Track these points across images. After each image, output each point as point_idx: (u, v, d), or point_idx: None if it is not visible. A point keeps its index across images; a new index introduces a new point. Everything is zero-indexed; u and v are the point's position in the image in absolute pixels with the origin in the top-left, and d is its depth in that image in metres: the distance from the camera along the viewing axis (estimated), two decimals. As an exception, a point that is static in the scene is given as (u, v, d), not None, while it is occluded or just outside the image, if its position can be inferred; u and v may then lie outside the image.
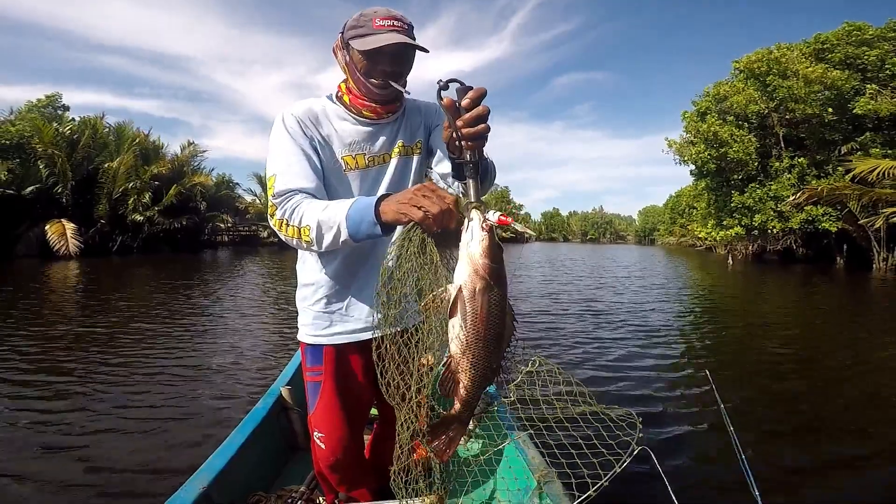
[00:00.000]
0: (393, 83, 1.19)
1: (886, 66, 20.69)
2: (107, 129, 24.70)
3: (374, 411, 1.66)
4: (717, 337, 6.84)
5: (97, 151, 23.38)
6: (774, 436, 3.49)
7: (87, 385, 4.18)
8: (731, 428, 1.69)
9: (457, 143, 0.94)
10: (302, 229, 1.09)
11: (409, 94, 1.25)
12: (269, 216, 1.18)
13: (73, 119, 24.82)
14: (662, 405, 3.96)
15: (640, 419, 1.14)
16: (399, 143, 1.35)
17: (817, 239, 24.65)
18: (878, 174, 15.80)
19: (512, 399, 1.27)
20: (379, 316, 1.05)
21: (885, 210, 16.54)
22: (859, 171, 16.50)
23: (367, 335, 1.31)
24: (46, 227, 19.96)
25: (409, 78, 1.28)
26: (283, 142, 1.21)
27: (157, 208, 24.04)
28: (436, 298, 0.90)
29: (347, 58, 1.23)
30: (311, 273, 1.35)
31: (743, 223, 26.00)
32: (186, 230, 27.06)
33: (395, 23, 1.15)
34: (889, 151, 19.15)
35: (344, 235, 1.03)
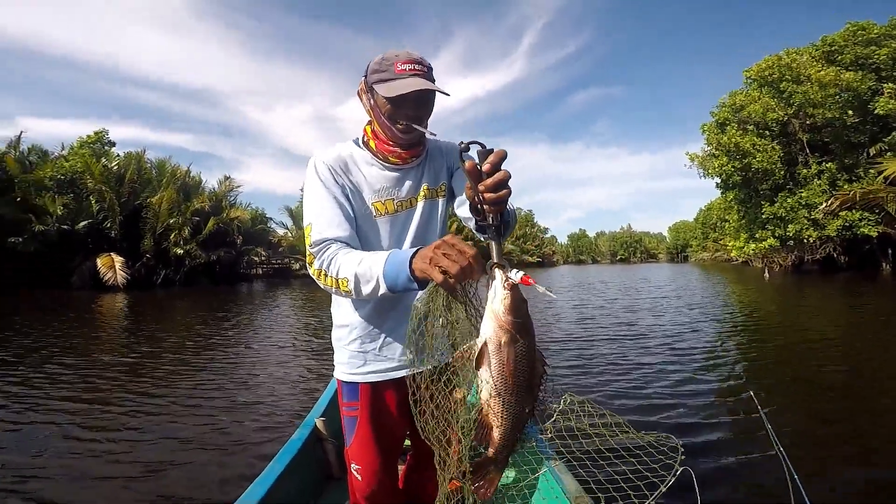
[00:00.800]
0: (416, 126, 1.24)
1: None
2: (149, 164, 26.49)
3: (407, 442, 1.71)
4: (758, 355, 6.55)
5: (142, 187, 25.03)
6: (826, 455, 3.31)
7: (129, 414, 4.37)
8: (780, 447, 1.64)
9: (479, 206, 0.97)
10: (340, 281, 1.14)
11: (434, 135, 1.29)
12: (307, 264, 1.23)
13: (119, 154, 26.77)
14: (706, 431, 3.78)
15: (681, 443, 1.14)
16: (424, 186, 1.40)
17: (859, 245, 23.75)
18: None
19: (549, 435, 1.29)
20: (410, 355, 1.09)
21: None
22: (890, 172, 16.14)
23: (400, 373, 1.36)
24: (98, 260, 21.38)
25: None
26: (317, 190, 1.27)
27: (195, 242, 25.31)
28: (465, 352, 0.95)
29: (372, 101, 1.28)
30: (345, 315, 1.40)
31: (776, 234, 25.45)
32: (223, 263, 28.25)
33: (416, 67, 1.20)
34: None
35: (383, 289, 1.07)
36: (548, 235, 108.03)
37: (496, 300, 0.91)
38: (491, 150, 0.95)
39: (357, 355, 1.39)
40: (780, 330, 8.61)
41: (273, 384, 5.43)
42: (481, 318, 0.97)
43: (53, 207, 21.26)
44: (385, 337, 1.38)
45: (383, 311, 1.37)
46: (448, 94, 1.26)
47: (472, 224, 1.23)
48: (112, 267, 21.12)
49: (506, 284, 0.92)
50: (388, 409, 1.42)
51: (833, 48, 23.07)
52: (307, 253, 1.23)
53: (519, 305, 0.92)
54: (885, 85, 20.54)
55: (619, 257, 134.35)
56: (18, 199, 21.21)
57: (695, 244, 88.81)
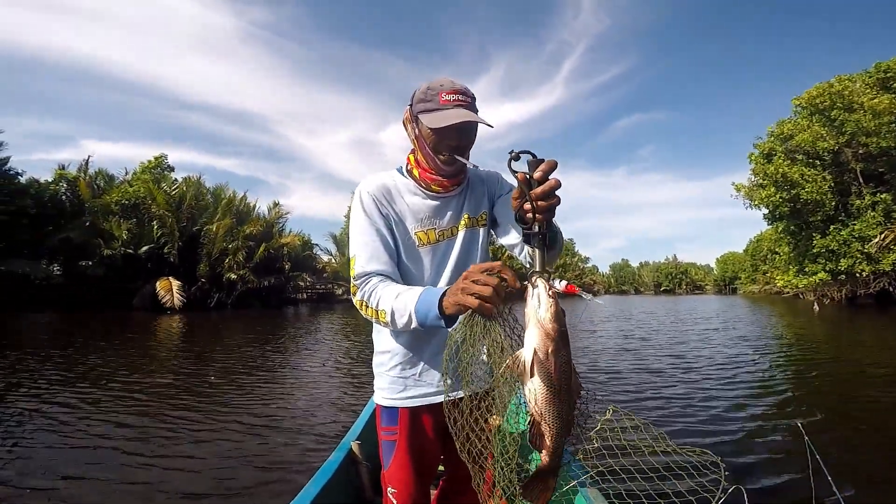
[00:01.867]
0: (459, 157, 1.27)
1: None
2: (205, 190, 28.32)
3: (441, 468, 1.72)
4: (807, 387, 6.49)
5: (199, 213, 26.76)
6: (879, 485, 3.33)
7: (173, 431, 4.57)
8: (830, 478, 1.65)
9: (528, 215, 0.98)
10: (379, 312, 1.21)
11: (476, 167, 1.33)
12: (352, 295, 1.31)
13: (176, 179, 28.42)
14: (751, 455, 3.85)
15: (721, 458, 1.14)
16: (465, 215, 1.42)
17: (916, 280, 22.61)
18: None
19: (587, 448, 1.26)
20: (449, 382, 1.13)
21: None
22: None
23: (439, 398, 1.38)
24: (157, 283, 23.02)
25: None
26: (362, 222, 1.33)
27: (248, 267, 26.81)
28: (512, 363, 0.96)
29: (417, 131, 1.30)
30: (386, 342, 1.44)
31: (828, 268, 24.47)
32: (273, 287, 29.72)
33: (461, 98, 1.23)
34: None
35: (415, 324, 1.14)
36: (588, 265, 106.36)
37: (542, 309, 0.93)
38: (542, 160, 0.98)
39: (397, 381, 1.42)
40: (830, 363, 8.47)
41: (313, 406, 5.60)
42: (518, 336, 1.01)
43: (119, 232, 23.13)
44: (424, 364, 1.41)
45: (422, 338, 1.40)
46: (492, 126, 1.28)
47: (515, 242, 1.33)
48: (170, 290, 22.69)
49: (550, 293, 0.94)
50: (426, 433, 1.44)
51: (888, 75, 22.45)
52: (351, 283, 1.30)
53: (561, 314, 0.95)
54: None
55: (663, 288, 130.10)
56: (88, 223, 23.08)
57: (744, 276, 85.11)
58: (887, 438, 4.32)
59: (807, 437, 1.91)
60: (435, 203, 1.39)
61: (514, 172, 0.97)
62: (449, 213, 1.41)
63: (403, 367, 1.42)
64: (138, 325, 16.11)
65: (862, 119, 21.45)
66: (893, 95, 21.20)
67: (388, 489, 1.46)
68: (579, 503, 1.76)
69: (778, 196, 24.73)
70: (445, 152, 1.28)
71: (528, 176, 0.97)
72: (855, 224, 22.97)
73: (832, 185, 24.08)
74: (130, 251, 23.35)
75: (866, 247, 21.87)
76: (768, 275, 53.52)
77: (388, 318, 1.19)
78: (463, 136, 1.27)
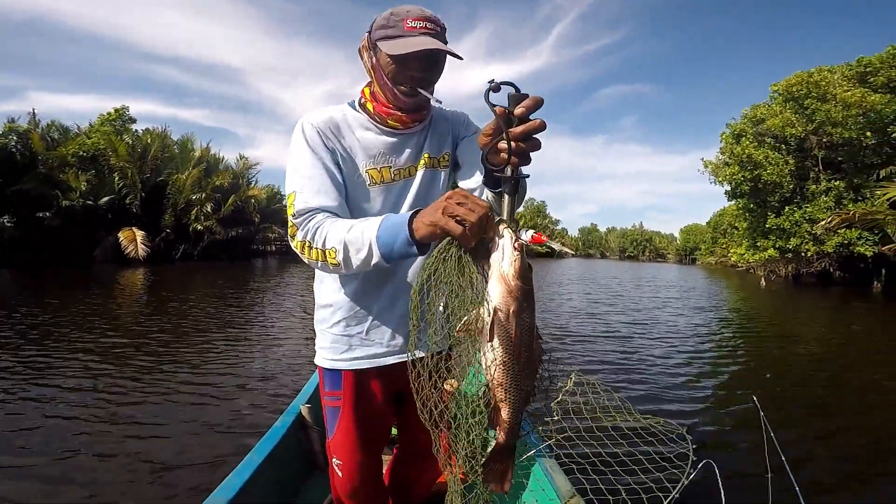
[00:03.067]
0: (422, 91, 1.14)
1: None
2: (171, 142, 27.33)
3: (393, 431, 1.59)
4: (758, 359, 6.98)
5: (164, 164, 25.88)
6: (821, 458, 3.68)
7: (125, 392, 4.47)
8: (784, 457, 1.70)
9: (502, 155, 0.86)
10: (327, 251, 1.04)
11: (440, 103, 1.20)
12: (289, 237, 1.12)
13: (137, 131, 27.51)
14: (709, 430, 4.10)
15: (687, 430, 1.11)
16: (425, 154, 1.28)
17: (854, 262, 24.32)
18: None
19: (547, 420, 1.18)
20: (413, 330, 0.99)
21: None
22: (892, 195, 16.51)
23: (390, 360, 1.27)
24: (119, 234, 22.41)
25: (440, 87, 1.22)
26: (303, 155, 1.16)
27: (215, 218, 26.29)
28: (473, 322, 0.84)
29: (374, 60, 1.18)
30: (329, 293, 1.29)
31: (777, 245, 25.97)
32: (240, 239, 29.36)
33: (428, 25, 1.10)
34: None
35: (376, 258, 0.98)
36: (559, 227, 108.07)
37: (505, 262, 0.84)
38: (526, 95, 0.86)
39: (341, 339, 1.28)
40: (775, 337, 9.16)
41: (272, 366, 5.51)
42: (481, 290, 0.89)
43: (77, 183, 22.05)
44: (372, 319, 1.26)
45: (371, 289, 1.25)
46: (461, 58, 1.14)
47: (475, 187, 1.20)
48: (133, 241, 22.10)
49: (516, 245, 0.84)
50: (375, 399, 1.31)
51: (867, 70, 23.05)
52: (289, 224, 1.12)
53: (527, 271, 0.85)
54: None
55: (627, 254, 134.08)
56: (42, 176, 21.98)
57: (703, 248, 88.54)
58: (827, 413, 4.81)
59: (762, 413, 1.91)
60: (391, 140, 1.25)
61: (491, 106, 0.86)
62: (407, 151, 1.27)
63: (348, 324, 1.27)
64: (103, 279, 15.74)
65: (832, 110, 22.19)
66: (865, 89, 21.85)
67: (334, 460, 1.36)
68: (536, 473, 1.70)
69: (741, 175, 25.75)
70: (406, 84, 1.15)
71: (507, 111, 0.86)
72: (808, 207, 24.26)
73: (793, 168, 25.17)
74: (90, 202, 22.42)
75: (814, 228, 23.20)
76: (725, 248, 56.03)
77: (340, 258, 1.03)
78: (428, 67, 1.14)
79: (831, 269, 26.11)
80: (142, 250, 22.01)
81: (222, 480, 1.62)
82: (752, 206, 28.10)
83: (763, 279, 28.53)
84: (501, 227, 0.86)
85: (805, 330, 10.37)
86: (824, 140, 24.10)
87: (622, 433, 1.20)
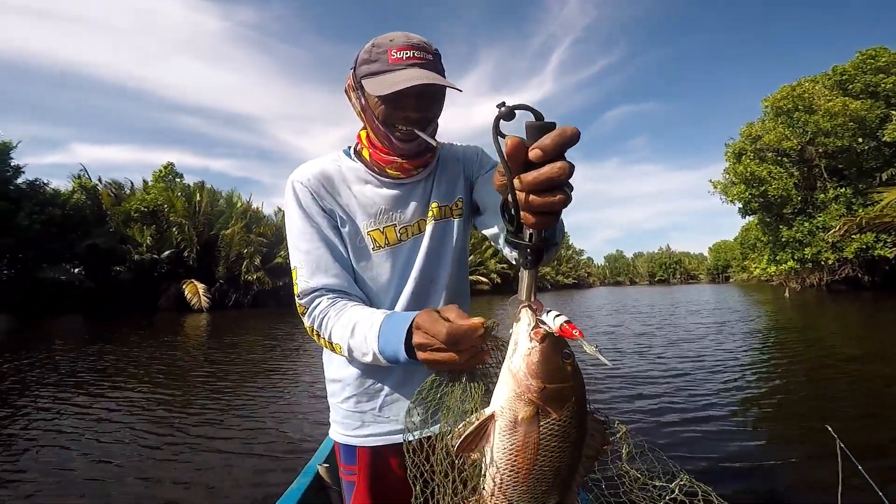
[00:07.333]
0: (420, 133, 0.96)
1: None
2: (218, 196, 30.26)
3: None
4: (809, 384, 6.00)
5: (215, 218, 28.60)
6: None
7: (174, 429, 4.61)
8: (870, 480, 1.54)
9: (513, 210, 0.60)
10: (334, 346, 0.95)
11: (440, 145, 1.08)
12: (300, 315, 1.01)
13: (188, 185, 30.12)
14: (778, 465, 3.41)
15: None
16: (433, 204, 1.09)
17: (879, 266, 24.51)
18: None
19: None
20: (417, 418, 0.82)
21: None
22: (887, 201, 17.35)
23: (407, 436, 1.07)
24: (183, 286, 24.91)
25: (448, 125, 1.07)
26: (297, 224, 1.02)
27: (263, 269, 28.65)
28: (464, 428, 0.63)
29: (363, 101, 0.99)
30: (338, 368, 1.14)
31: (796, 257, 26.42)
32: (286, 287, 31.44)
33: (416, 53, 0.92)
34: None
35: (383, 364, 0.87)
36: (584, 257, 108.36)
37: (516, 356, 0.61)
38: (551, 125, 0.54)
39: (352, 416, 1.12)
40: (799, 345, 8.81)
41: (296, 414, 5.28)
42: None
43: (143, 238, 24.85)
44: (386, 395, 1.10)
45: (384, 366, 0.99)
46: (460, 90, 0.94)
47: (499, 233, 0.97)
48: (196, 293, 24.65)
49: (532, 333, 0.60)
50: (392, 476, 1.13)
51: (844, 77, 24.11)
52: (297, 303, 1.01)
53: (553, 363, 0.59)
54: (894, 112, 21.71)
55: (657, 278, 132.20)
56: (111, 229, 24.66)
57: (735, 264, 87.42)
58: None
59: (839, 442, 1.74)
60: (393, 192, 1.07)
61: (498, 139, 0.56)
62: (413, 204, 1.08)
63: (358, 400, 1.12)
64: (169, 324, 17.43)
65: (820, 120, 23.24)
66: (846, 98, 22.93)
67: None
68: None
69: (748, 193, 26.63)
70: (401, 126, 0.97)
71: (524, 144, 0.54)
72: (819, 216, 24.91)
73: (798, 180, 25.99)
74: (155, 256, 25.10)
75: (827, 236, 23.77)
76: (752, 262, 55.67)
77: (346, 354, 0.94)
78: (423, 103, 0.95)
79: (859, 275, 26.15)
80: (204, 301, 24.44)
81: None
82: (767, 219, 28.77)
83: (787, 290, 28.48)
84: (519, 309, 0.64)
85: (850, 343, 9.13)
86: (821, 150, 24.92)
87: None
